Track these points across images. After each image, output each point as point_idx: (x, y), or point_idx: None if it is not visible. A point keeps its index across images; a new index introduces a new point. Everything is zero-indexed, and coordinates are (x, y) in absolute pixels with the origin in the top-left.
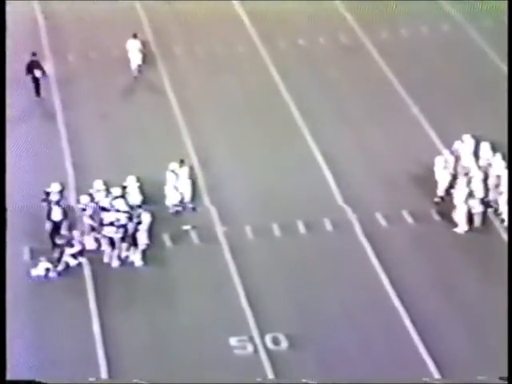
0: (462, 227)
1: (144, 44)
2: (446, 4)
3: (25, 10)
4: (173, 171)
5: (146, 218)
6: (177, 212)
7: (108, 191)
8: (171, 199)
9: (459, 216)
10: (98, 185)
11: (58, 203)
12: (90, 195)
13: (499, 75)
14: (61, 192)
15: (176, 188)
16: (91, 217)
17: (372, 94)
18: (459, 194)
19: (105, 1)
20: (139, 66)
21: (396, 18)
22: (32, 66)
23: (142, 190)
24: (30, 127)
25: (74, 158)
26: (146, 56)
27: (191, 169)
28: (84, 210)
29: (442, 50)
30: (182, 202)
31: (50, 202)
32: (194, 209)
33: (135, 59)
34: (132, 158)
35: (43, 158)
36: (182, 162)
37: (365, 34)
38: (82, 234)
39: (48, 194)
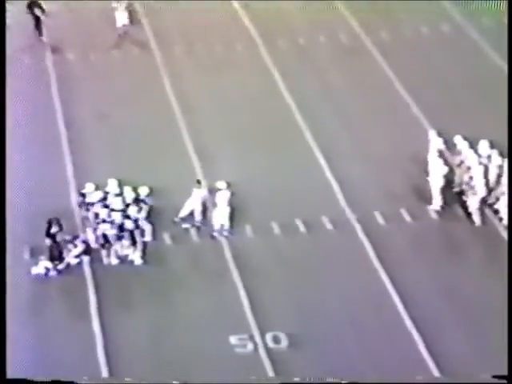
0: (435, 204)
1: (130, 5)
2: (447, 4)
3: (25, 10)
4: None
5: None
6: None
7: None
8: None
9: (435, 192)
10: (113, 183)
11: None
12: (106, 193)
13: (499, 75)
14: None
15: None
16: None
17: (372, 94)
18: (436, 171)
19: (105, 0)
20: (124, 25)
21: (396, 17)
22: (32, 4)
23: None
24: (30, 127)
25: (74, 157)
26: (133, 17)
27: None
28: (92, 204)
29: (442, 49)
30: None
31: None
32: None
33: (121, 18)
34: (132, 158)
35: (43, 157)
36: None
37: (365, 33)
38: (95, 230)
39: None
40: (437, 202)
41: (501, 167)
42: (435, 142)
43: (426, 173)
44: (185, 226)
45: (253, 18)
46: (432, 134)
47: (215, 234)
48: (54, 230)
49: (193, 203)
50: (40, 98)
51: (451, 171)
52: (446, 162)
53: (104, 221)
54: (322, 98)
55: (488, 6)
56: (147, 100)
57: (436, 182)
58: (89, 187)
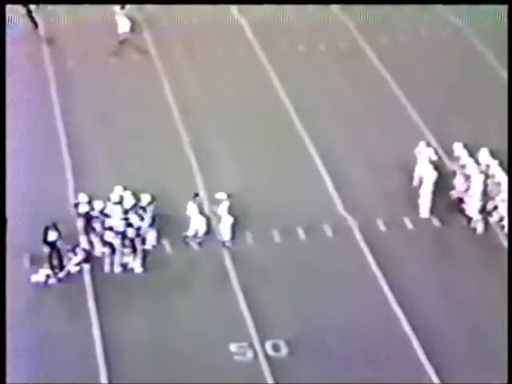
0: (423, 213)
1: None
2: (445, 9)
3: (24, 14)
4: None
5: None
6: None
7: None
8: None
9: (424, 203)
10: (118, 191)
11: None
12: (108, 199)
13: (499, 80)
14: (89, 202)
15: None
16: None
17: (371, 99)
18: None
19: (104, 5)
20: (125, 33)
21: (395, 23)
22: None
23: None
24: (29, 132)
25: (74, 162)
26: (134, 24)
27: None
28: (95, 216)
29: (441, 54)
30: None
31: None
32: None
33: (123, 25)
34: (132, 163)
35: (43, 163)
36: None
37: (364, 39)
38: (97, 235)
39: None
40: (425, 209)
41: (499, 176)
42: (426, 153)
43: (417, 181)
44: (192, 241)
45: (252, 25)
46: (422, 145)
47: (227, 243)
48: (52, 235)
49: (195, 218)
50: (40, 104)
51: (441, 176)
52: (437, 168)
53: (111, 229)
54: (322, 103)
55: (488, 11)
56: (147, 105)
57: (426, 188)
58: (82, 197)
